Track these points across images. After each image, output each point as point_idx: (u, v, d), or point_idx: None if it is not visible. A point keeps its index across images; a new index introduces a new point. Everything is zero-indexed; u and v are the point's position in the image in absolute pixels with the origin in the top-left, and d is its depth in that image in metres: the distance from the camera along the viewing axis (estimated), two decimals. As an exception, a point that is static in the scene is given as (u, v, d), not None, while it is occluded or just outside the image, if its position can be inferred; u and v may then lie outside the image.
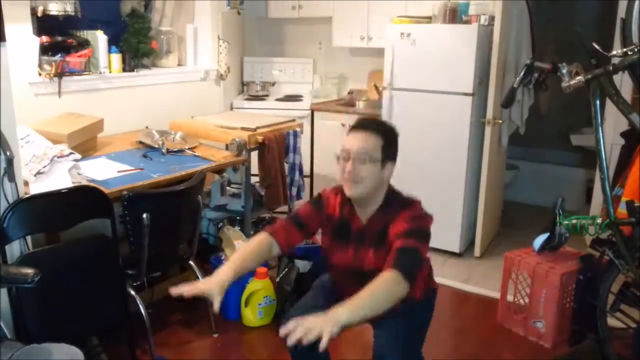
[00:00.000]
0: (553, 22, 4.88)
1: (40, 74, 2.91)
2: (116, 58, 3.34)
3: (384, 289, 1.57)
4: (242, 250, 1.82)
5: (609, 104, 3.00)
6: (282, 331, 1.39)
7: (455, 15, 3.56)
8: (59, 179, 2.32)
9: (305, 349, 1.97)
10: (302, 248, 2.97)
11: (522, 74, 2.43)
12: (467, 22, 3.53)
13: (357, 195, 1.77)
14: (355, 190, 1.75)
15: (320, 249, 1.96)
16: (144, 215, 2.28)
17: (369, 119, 1.88)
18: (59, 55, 2.99)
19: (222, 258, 2.91)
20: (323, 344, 1.33)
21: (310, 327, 1.36)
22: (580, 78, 2.24)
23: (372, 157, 1.73)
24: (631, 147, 2.85)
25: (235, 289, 2.84)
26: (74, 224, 2.16)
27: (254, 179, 3.36)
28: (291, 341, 1.34)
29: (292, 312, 1.94)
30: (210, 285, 1.59)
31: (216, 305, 1.57)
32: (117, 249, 2.26)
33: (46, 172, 2.32)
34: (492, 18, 3.44)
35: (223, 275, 1.64)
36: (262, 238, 1.83)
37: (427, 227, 1.76)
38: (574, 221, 2.48)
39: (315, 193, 4.09)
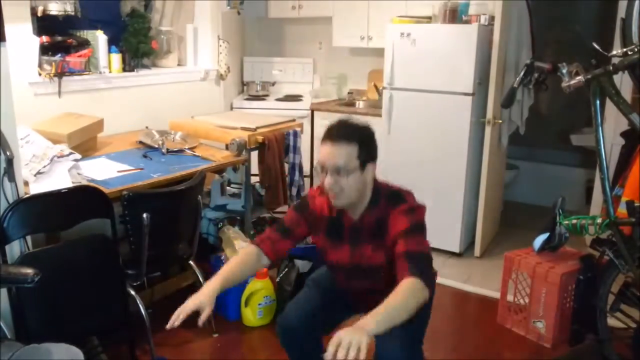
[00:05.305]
0: (553, 22, 4.88)
1: (40, 74, 2.91)
2: (116, 58, 3.34)
3: (407, 297, 1.54)
4: (231, 262, 1.86)
5: (609, 104, 2.99)
6: (328, 356, 1.35)
7: (455, 15, 3.56)
8: (59, 179, 2.32)
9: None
10: (302, 248, 2.97)
11: (522, 74, 2.43)
12: (467, 22, 3.53)
13: (343, 205, 1.77)
14: (339, 201, 1.74)
15: (316, 248, 1.97)
16: (144, 215, 2.28)
17: (338, 125, 1.75)
18: (59, 55, 2.99)
19: (222, 258, 2.91)
20: (362, 357, 1.34)
21: (349, 344, 1.35)
22: (580, 78, 2.24)
23: (349, 169, 1.68)
24: (631, 147, 2.85)
25: (236, 288, 2.84)
26: (74, 224, 2.16)
27: (254, 179, 3.36)
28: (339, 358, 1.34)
29: (287, 309, 1.96)
30: (200, 298, 1.65)
31: (204, 316, 1.62)
32: (117, 249, 2.26)
33: (46, 172, 2.32)
34: (492, 18, 3.44)
35: (211, 287, 1.70)
36: (249, 250, 1.89)
37: (423, 218, 1.77)
38: (574, 221, 2.48)
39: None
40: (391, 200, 1.78)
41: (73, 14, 3.06)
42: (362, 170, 1.71)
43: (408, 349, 1.70)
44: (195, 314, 1.66)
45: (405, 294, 1.55)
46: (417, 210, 1.76)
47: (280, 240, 1.88)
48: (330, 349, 1.36)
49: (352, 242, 1.83)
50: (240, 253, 1.92)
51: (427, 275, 1.63)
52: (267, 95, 4.64)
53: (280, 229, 1.91)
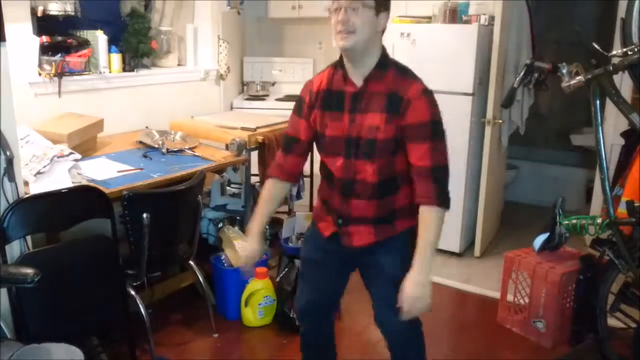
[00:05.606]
0: (553, 22, 4.88)
1: (40, 74, 2.91)
2: (116, 58, 3.34)
3: (436, 234, 1.67)
4: (260, 205, 1.94)
5: (609, 104, 3.00)
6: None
7: (455, 15, 3.56)
8: (59, 179, 2.32)
9: (317, 351, 2.08)
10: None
11: (522, 74, 2.43)
12: (467, 22, 3.53)
13: (352, 45, 1.68)
14: (349, 40, 1.67)
15: (314, 128, 1.86)
16: (144, 215, 2.28)
17: None
18: (59, 55, 2.98)
19: (222, 258, 2.91)
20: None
21: (414, 309, 1.65)
22: (580, 78, 2.24)
23: (365, 3, 1.64)
24: (631, 147, 2.85)
25: (236, 288, 2.85)
26: (74, 224, 2.16)
27: (254, 179, 3.36)
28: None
29: (297, 296, 2.03)
30: (252, 254, 1.90)
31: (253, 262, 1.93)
32: (117, 249, 2.26)
33: (46, 172, 2.32)
34: (492, 18, 3.44)
35: (255, 234, 1.89)
36: (269, 187, 1.94)
37: (439, 109, 1.76)
38: (574, 221, 2.48)
39: (315, 193, 4.10)
40: (401, 71, 1.75)
41: (73, 14, 3.05)
42: (377, 14, 1.67)
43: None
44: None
45: (434, 231, 1.66)
46: (432, 97, 1.75)
47: (286, 159, 1.90)
48: (404, 307, 1.64)
49: (352, 112, 1.75)
50: (263, 193, 1.96)
51: (447, 194, 1.70)
52: (267, 95, 4.64)
53: (285, 144, 1.92)
